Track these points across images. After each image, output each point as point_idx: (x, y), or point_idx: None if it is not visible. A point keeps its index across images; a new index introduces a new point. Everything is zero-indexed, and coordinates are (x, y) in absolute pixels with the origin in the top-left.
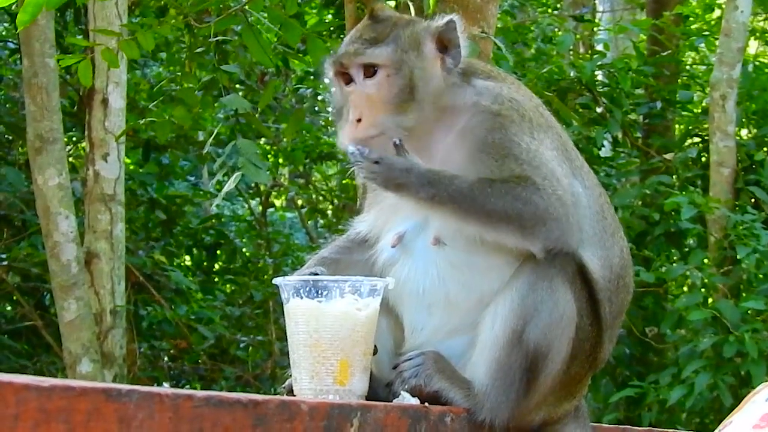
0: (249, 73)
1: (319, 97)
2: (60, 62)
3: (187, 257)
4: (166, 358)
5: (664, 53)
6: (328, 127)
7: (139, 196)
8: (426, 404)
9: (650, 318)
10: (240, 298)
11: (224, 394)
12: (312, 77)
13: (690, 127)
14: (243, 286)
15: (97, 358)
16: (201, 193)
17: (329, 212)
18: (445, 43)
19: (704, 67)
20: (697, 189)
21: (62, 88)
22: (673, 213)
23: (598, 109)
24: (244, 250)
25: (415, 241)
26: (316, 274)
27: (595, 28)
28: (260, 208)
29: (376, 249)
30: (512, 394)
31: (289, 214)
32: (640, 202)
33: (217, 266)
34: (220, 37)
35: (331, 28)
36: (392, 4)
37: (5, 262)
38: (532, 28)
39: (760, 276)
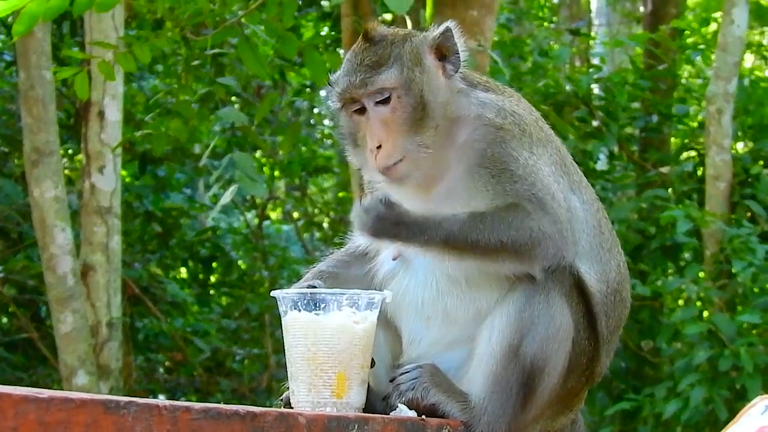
0: (245, 86)
1: (315, 110)
2: (56, 75)
3: (183, 270)
4: (162, 371)
5: (661, 67)
6: (324, 140)
7: (135, 209)
8: (423, 417)
9: (646, 331)
10: (236, 311)
11: (222, 406)
12: (308, 90)
13: (686, 141)
14: (239, 299)
15: (93, 371)
16: (197, 205)
17: (325, 225)
18: (444, 52)
19: (700, 81)
20: (693, 203)
21: (58, 100)
22: (669, 227)
23: (595, 123)
24: (240, 262)
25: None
26: (314, 287)
27: (591, 42)
28: (256, 220)
29: (375, 262)
30: (509, 408)
31: (285, 227)
32: (636, 216)
33: (213, 279)
34: (216, 50)
35: (328, 41)
36: (389, 17)
37: (1, 275)
38: (528, 41)
39: (756, 290)
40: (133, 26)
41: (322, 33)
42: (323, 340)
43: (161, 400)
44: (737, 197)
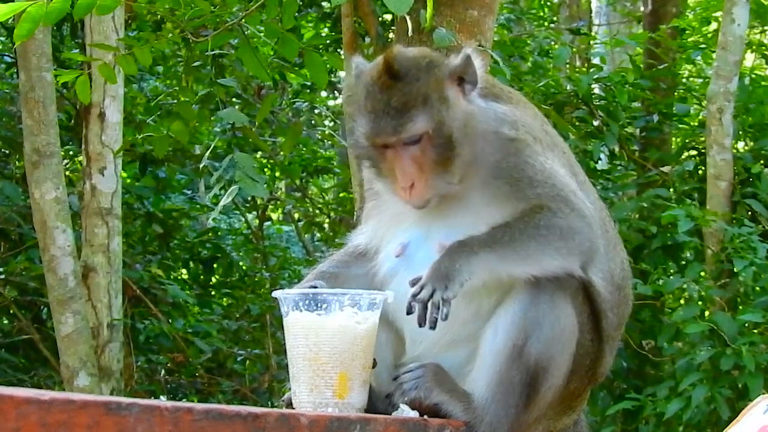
0: (246, 87)
1: (316, 111)
2: (58, 78)
3: (184, 271)
4: (163, 372)
5: (661, 66)
6: (325, 141)
7: (135, 210)
8: (425, 417)
9: (647, 331)
10: (237, 312)
11: (224, 407)
12: (309, 91)
13: (687, 141)
14: (240, 300)
15: (94, 372)
16: (198, 206)
17: (326, 226)
18: (462, 76)
19: (701, 81)
20: (694, 202)
21: (59, 102)
22: (670, 226)
23: (595, 123)
24: (240, 263)
25: (419, 250)
26: (316, 288)
27: (591, 42)
28: (257, 221)
29: (376, 261)
30: (512, 408)
31: (285, 228)
32: (637, 216)
33: (213, 280)
34: (217, 51)
35: (328, 42)
36: (388, 17)
37: (2, 276)
38: (528, 41)
39: (758, 289)
40: (133, 28)
41: (323, 33)
42: (325, 340)
43: (163, 401)
44: (738, 196)
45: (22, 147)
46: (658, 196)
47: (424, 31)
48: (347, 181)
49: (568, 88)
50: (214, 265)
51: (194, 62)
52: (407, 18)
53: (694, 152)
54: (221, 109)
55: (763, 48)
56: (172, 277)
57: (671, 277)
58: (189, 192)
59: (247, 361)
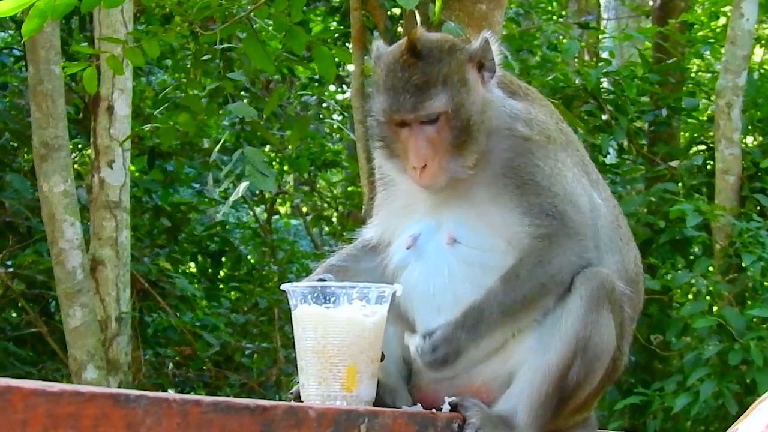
0: (254, 81)
1: (324, 105)
2: (65, 70)
3: (192, 264)
4: (171, 365)
5: (670, 61)
6: (333, 135)
7: (144, 203)
8: (433, 410)
9: (655, 326)
10: (245, 305)
11: (232, 399)
12: (317, 84)
13: (695, 135)
14: (248, 293)
15: (102, 365)
16: (206, 200)
17: (334, 219)
18: (482, 62)
19: (709, 75)
20: (702, 197)
21: (67, 95)
22: (678, 221)
23: (604, 117)
24: (248, 257)
25: (429, 242)
26: (324, 281)
27: (600, 36)
28: (265, 215)
29: (387, 253)
30: (542, 422)
31: (293, 221)
32: (645, 210)
33: (221, 273)
34: (225, 45)
35: (336, 35)
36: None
37: (11, 269)
38: (537, 35)
39: (766, 284)
40: (142, 21)
41: (331, 27)
42: (333, 333)
43: (171, 393)
44: (747, 191)
45: (30, 140)
46: (666, 191)
47: (432, 25)
48: (356, 174)
49: (576, 82)
50: (222, 259)
51: (202, 55)
52: (416, 12)
53: (702, 147)
54: (229, 102)
55: None
56: (180, 270)
57: (679, 272)
58: (197, 185)
59: (255, 355)
